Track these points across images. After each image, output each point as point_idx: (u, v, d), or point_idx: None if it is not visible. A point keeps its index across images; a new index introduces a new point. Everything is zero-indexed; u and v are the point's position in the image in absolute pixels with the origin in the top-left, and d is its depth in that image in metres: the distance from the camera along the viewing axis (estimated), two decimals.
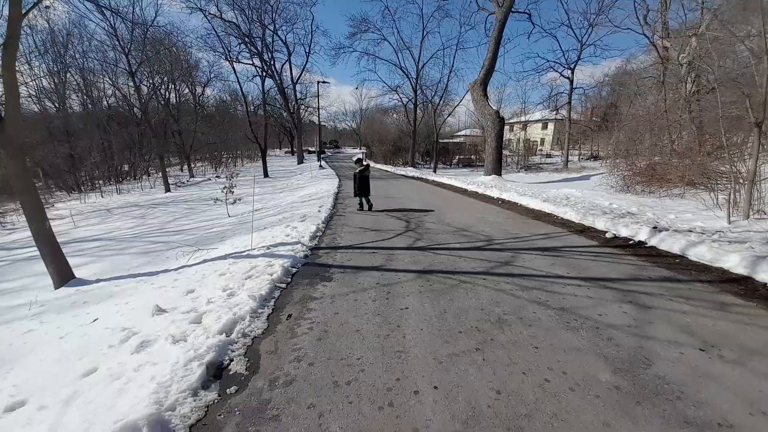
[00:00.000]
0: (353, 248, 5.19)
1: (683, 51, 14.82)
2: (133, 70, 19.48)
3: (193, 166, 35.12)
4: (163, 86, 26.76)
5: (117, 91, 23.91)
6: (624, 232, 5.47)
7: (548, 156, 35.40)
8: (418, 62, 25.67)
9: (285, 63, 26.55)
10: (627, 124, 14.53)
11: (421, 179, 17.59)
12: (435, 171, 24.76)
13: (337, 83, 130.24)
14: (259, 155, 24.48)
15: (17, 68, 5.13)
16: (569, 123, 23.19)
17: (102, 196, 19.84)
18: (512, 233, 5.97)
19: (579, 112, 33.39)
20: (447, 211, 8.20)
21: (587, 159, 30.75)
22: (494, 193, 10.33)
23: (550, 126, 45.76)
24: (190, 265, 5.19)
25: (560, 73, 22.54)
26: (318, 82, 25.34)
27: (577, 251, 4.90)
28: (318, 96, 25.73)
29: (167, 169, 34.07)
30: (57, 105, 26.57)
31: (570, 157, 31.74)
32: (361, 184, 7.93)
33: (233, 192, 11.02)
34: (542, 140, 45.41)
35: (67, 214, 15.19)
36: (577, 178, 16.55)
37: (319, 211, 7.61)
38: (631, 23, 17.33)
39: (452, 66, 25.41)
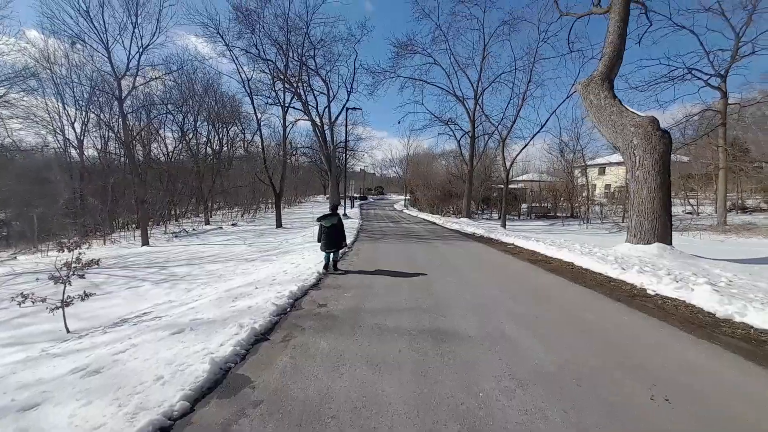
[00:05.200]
0: None
1: None
2: (122, 96, 16.02)
3: (226, 211, 31.70)
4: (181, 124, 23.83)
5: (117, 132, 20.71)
6: None
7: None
8: (477, 86, 19.72)
9: (325, 108, 21.70)
10: None
11: (493, 242, 10.41)
12: (504, 226, 17.30)
13: (389, 136, 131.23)
14: (297, 200, 19.50)
15: None
16: (726, 154, 14.71)
17: (47, 255, 14.00)
18: None
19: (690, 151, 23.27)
20: None
21: (731, 210, 21.03)
22: None
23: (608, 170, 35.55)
24: None
25: (706, 82, 14.75)
26: (346, 109, 19.93)
27: None
28: (346, 124, 20.44)
29: (186, 217, 30.81)
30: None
31: (691, 208, 22.31)
32: (324, 238, 6.16)
33: (83, 275, 4.93)
34: (595, 186, 35.09)
35: None
36: None
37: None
38: None
39: (530, 78, 17.62)
